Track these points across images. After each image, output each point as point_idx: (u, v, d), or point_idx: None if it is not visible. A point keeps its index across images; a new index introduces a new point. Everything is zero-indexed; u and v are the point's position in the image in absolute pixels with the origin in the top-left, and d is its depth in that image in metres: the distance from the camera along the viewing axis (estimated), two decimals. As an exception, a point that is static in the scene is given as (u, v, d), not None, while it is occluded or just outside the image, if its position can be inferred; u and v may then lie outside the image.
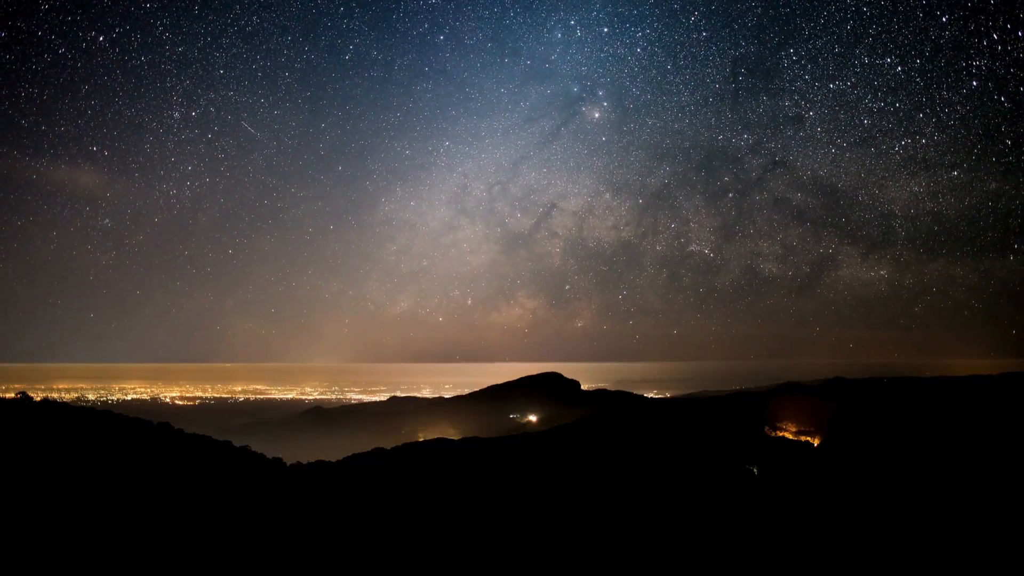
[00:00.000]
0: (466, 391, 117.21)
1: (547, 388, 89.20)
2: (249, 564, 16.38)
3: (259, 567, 16.42)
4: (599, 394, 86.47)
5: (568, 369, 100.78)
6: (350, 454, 34.66)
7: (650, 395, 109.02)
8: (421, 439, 41.42)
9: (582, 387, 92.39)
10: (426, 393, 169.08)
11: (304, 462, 30.00)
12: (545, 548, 20.89)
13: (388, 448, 36.02)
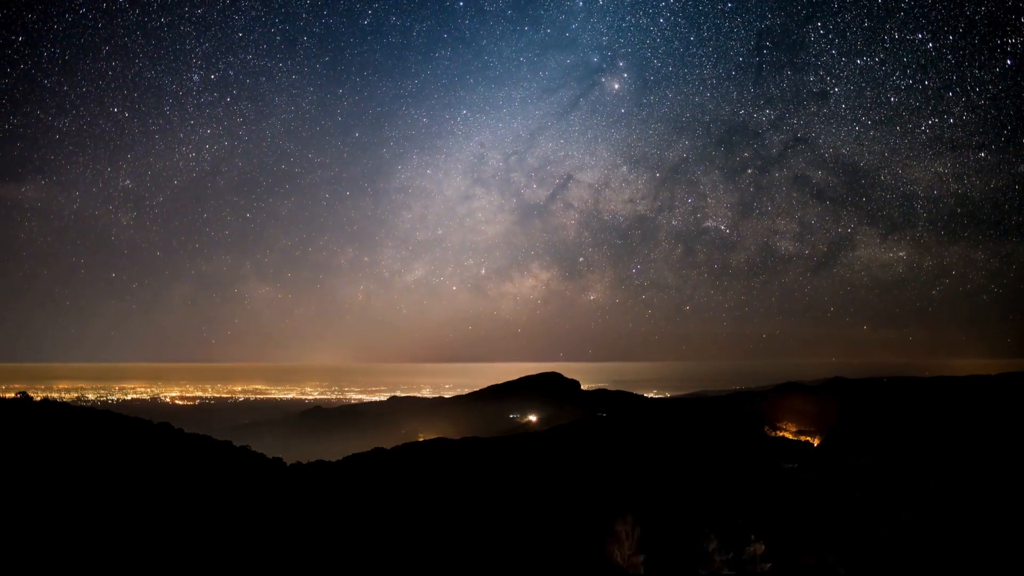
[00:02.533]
0: (466, 391, 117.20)
1: (547, 388, 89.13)
2: (250, 563, 16.39)
3: (259, 566, 16.43)
4: (599, 394, 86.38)
5: (568, 369, 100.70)
6: (350, 454, 34.69)
7: (650, 395, 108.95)
8: (421, 439, 41.40)
9: (582, 387, 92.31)
10: (426, 393, 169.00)
11: (304, 462, 30.02)
12: (545, 547, 20.89)
13: (388, 448, 36.04)
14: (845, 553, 21.60)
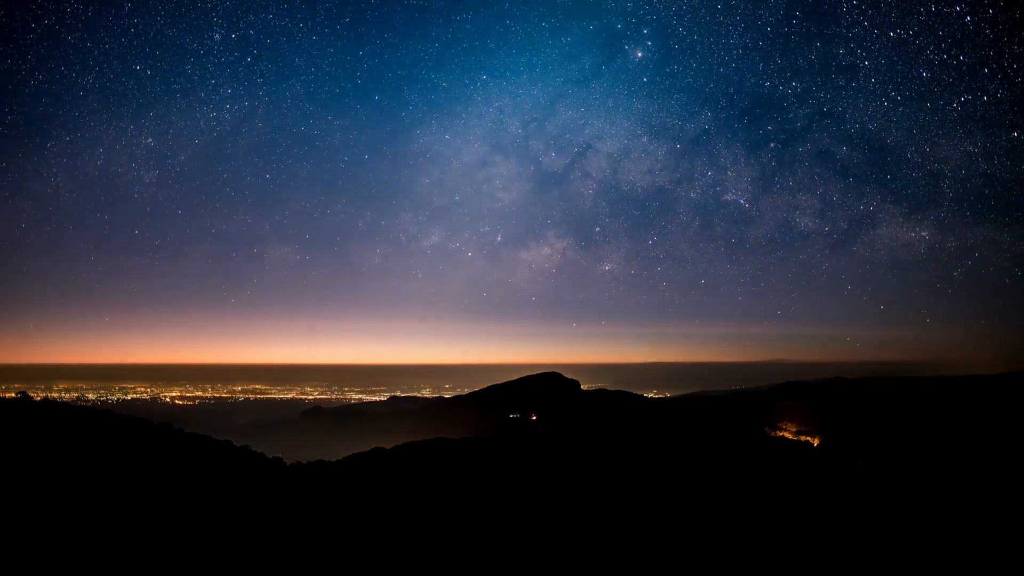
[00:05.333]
0: (466, 391, 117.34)
1: (547, 388, 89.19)
2: (249, 563, 16.39)
3: (259, 566, 16.44)
4: (599, 394, 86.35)
5: (568, 369, 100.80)
6: (350, 454, 34.70)
7: (650, 395, 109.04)
8: (421, 439, 41.48)
9: (582, 387, 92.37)
10: (426, 393, 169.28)
11: (304, 462, 30.03)
12: (544, 548, 20.90)
13: (388, 448, 36.05)
14: (845, 552, 21.60)
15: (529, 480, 30.41)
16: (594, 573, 19.34)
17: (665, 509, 26.98)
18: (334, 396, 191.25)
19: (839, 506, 28.96)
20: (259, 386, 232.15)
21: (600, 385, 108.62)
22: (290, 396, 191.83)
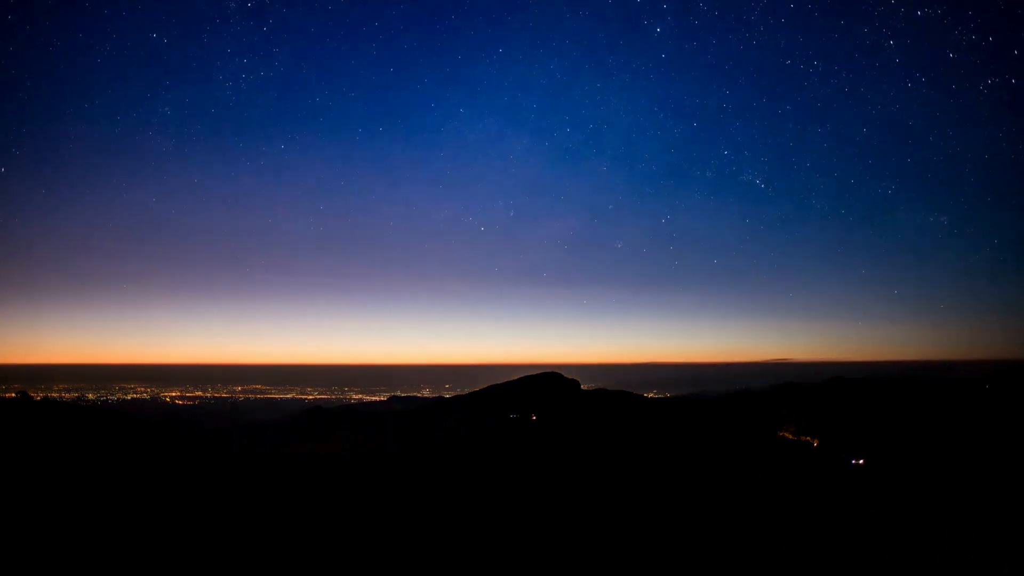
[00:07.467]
0: (466, 391, 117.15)
1: (547, 388, 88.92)
2: (249, 561, 16.39)
3: (259, 564, 16.43)
4: (599, 394, 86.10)
5: (568, 369, 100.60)
6: (349, 454, 34.72)
7: (650, 395, 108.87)
8: (421, 439, 41.44)
9: (582, 387, 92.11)
10: (426, 393, 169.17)
11: (304, 462, 30.05)
12: (544, 545, 20.89)
13: (387, 448, 36.06)
14: (843, 551, 21.59)
15: (529, 481, 30.40)
16: (594, 572, 19.33)
17: (664, 509, 26.94)
18: (334, 396, 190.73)
19: (838, 505, 28.94)
20: (259, 386, 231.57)
21: (600, 385, 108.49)
22: (290, 396, 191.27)
